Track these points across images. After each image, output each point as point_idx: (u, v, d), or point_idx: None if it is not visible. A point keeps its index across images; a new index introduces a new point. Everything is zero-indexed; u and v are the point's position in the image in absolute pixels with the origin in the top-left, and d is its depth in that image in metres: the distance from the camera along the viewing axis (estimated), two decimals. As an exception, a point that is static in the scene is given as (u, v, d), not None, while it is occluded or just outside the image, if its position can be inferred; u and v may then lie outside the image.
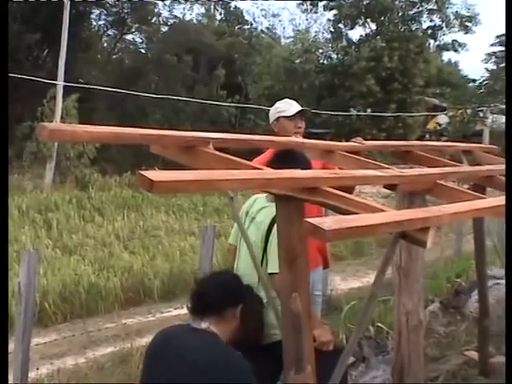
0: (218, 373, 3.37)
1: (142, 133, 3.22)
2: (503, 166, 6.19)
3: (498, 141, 24.22)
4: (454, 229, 13.02)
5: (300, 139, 4.98)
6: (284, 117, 5.54)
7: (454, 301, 8.24)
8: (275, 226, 4.07)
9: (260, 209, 4.54)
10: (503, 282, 7.63)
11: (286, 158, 4.26)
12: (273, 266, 4.09)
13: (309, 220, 2.66)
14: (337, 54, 36.86)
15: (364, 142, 5.13)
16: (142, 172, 2.42)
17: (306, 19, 41.52)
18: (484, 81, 47.24)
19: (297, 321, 2.97)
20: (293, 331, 3.03)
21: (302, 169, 3.79)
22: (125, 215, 19.08)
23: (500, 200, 4.34)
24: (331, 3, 37.84)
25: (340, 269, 11.00)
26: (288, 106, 5.64)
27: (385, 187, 4.09)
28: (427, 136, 31.83)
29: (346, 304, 8.03)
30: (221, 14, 47.02)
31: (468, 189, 5.99)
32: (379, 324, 6.96)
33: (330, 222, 2.66)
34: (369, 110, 32.20)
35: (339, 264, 11.79)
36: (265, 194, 4.60)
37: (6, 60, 3.31)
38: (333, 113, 28.49)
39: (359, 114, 31.22)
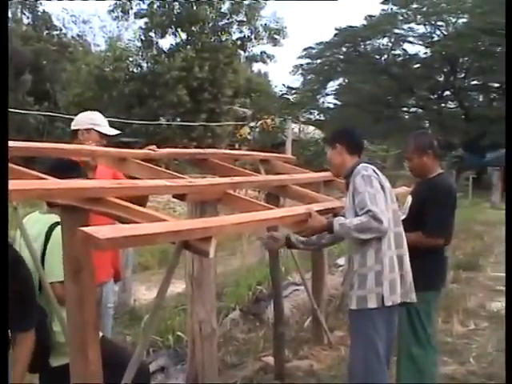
0: None
1: None
2: (297, 176, 6.39)
3: (306, 150, 25.03)
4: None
5: (91, 147, 4.88)
6: (97, 131, 5.35)
7: (253, 308, 8.37)
8: (52, 235, 3.96)
9: (34, 223, 4.31)
10: (302, 288, 7.86)
11: (62, 166, 4.14)
12: (51, 275, 3.95)
13: (83, 229, 2.61)
14: (147, 63, 36.75)
15: (157, 149, 5.11)
16: None
17: (117, 27, 41.22)
18: (292, 91, 48.86)
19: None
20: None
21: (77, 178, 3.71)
22: None
23: (287, 210, 4.46)
24: (142, 11, 37.72)
25: (145, 278, 10.90)
26: (103, 122, 5.46)
27: (174, 197, 4.07)
28: (236, 145, 32.29)
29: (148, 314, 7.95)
30: (28, 18, 45.69)
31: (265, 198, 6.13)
32: (179, 333, 6.94)
33: (105, 230, 2.63)
34: (178, 120, 32.36)
35: (145, 273, 11.70)
36: (37, 211, 4.43)
37: (6, 60, 3.14)
38: (142, 122, 28.37)
39: (169, 123, 31.27)
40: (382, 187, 4.51)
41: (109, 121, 5.60)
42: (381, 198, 4.38)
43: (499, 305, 9.60)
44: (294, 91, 50.94)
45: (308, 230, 4.60)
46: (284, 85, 52.07)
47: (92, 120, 5.41)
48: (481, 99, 54.53)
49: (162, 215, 3.27)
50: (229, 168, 5.57)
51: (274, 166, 6.94)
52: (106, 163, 4.87)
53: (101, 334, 4.29)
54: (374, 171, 4.57)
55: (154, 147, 5.16)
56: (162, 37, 37.79)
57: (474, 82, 52.67)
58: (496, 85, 51.21)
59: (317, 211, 4.63)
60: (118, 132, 5.50)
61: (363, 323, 4.48)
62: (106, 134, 5.35)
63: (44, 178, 3.47)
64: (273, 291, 6.63)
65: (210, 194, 4.28)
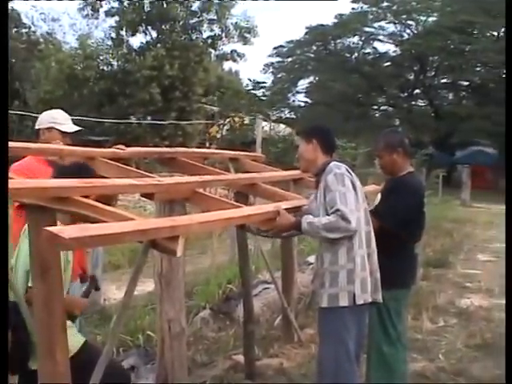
0: None
1: None
2: (266, 174, 6.40)
3: (274, 148, 25.06)
4: (229, 235, 13.25)
5: (59, 146, 4.85)
6: (57, 129, 5.32)
7: (224, 307, 8.36)
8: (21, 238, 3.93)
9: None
10: (272, 286, 7.87)
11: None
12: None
13: (48, 228, 2.59)
14: (117, 62, 36.53)
15: (125, 148, 5.09)
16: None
17: (87, 25, 40.80)
18: (260, 88, 48.94)
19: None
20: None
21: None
22: None
23: (255, 209, 4.46)
24: (113, 9, 37.48)
25: (116, 278, 10.82)
26: (65, 121, 5.44)
27: (142, 196, 4.05)
28: (207, 144, 32.24)
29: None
30: (-4, 16, 45.13)
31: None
32: (149, 332, 6.92)
33: (71, 230, 2.61)
34: (149, 118, 32.23)
35: (115, 273, 11.61)
36: None
37: (6, 60, 3.19)
38: (113, 121, 28.20)
39: (139, 121, 31.11)
40: (354, 186, 4.53)
41: (79, 119, 5.57)
42: (351, 197, 4.40)
43: (468, 301, 9.71)
44: (263, 89, 51.04)
45: (276, 228, 4.60)
46: (250, 79, 52.23)
47: (53, 119, 5.38)
48: (450, 97, 54.93)
49: (129, 214, 3.26)
50: (197, 167, 5.56)
51: (243, 164, 6.94)
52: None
53: (83, 338, 4.29)
54: (347, 170, 4.59)
55: (121, 146, 5.14)
56: (133, 35, 37.60)
57: (444, 81, 53.08)
58: (465, 83, 51.67)
59: (285, 209, 4.64)
60: (78, 128, 5.47)
61: (334, 321, 4.49)
62: (66, 132, 5.32)
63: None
64: (242, 290, 6.63)
65: (178, 193, 4.28)
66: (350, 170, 4.63)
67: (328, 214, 4.36)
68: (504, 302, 9.68)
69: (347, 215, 4.26)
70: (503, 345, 7.49)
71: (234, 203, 4.55)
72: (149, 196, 4.04)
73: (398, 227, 5.27)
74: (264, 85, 51.22)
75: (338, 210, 4.27)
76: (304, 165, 4.96)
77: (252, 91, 49.33)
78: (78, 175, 3.76)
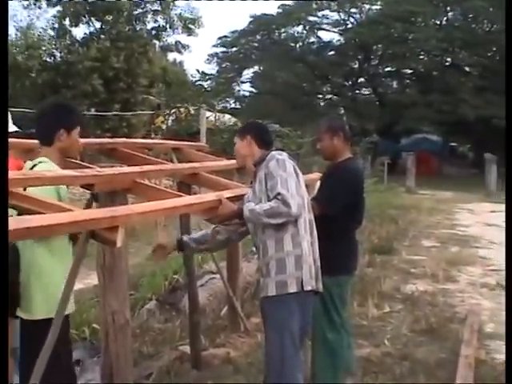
0: None
1: None
2: (209, 164, 6.39)
3: (219, 138, 25.02)
4: (176, 225, 13.19)
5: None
6: None
7: (170, 298, 8.33)
8: None
9: None
10: (218, 276, 7.86)
11: None
12: None
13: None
14: (60, 53, 36.02)
15: (64, 140, 5.02)
16: None
17: (28, 15, 40.06)
18: (207, 80, 48.84)
19: None
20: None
21: None
22: None
23: (196, 198, 4.44)
24: (55, -1, 36.94)
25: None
26: None
27: (82, 187, 4.01)
28: (152, 135, 32.04)
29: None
30: None
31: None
32: (95, 325, 6.86)
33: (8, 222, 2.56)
34: (93, 110, 31.89)
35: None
36: None
37: (6, 59, 3.14)
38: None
39: (83, 113, 30.79)
40: (296, 172, 4.54)
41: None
42: (293, 182, 4.40)
43: (413, 287, 9.84)
44: (208, 78, 50.99)
45: (218, 217, 4.59)
46: (198, 71, 52.09)
47: None
48: (394, 85, 55.54)
49: (67, 205, 3.22)
50: (139, 157, 5.53)
51: (187, 154, 6.92)
52: (13, 154, 4.77)
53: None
54: (288, 157, 4.62)
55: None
56: (76, 26, 37.07)
57: (388, 69, 53.60)
58: (409, 71, 52.26)
59: (227, 198, 4.63)
60: (15, 129, 5.40)
61: (280, 309, 4.47)
62: None
63: None
64: (187, 280, 6.62)
65: (119, 184, 4.23)
66: (290, 157, 4.65)
67: (270, 201, 4.36)
68: (449, 286, 9.90)
69: (288, 200, 4.26)
70: (447, 329, 7.67)
71: (176, 193, 4.53)
72: (89, 187, 4.00)
73: (337, 212, 5.30)
74: (209, 75, 51.20)
75: (278, 194, 4.27)
76: (239, 161, 4.99)
77: (197, 82, 49.27)
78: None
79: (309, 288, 4.46)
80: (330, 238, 5.10)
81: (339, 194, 5.38)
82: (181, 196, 4.34)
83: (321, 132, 5.66)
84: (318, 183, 5.75)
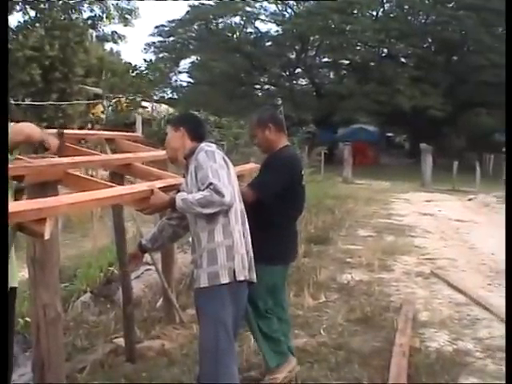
0: None
1: None
2: (142, 154, 6.34)
3: (154, 128, 24.85)
4: (111, 217, 13.08)
5: None
6: None
7: (105, 290, 8.23)
8: None
9: None
10: (154, 267, 7.80)
11: None
12: None
13: None
14: (-5, 41, 35.41)
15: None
16: None
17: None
18: (143, 70, 48.49)
19: None
20: None
21: None
22: None
23: (128, 188, 4.39)
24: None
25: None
26: None
27: (13, 179, 3.92)
28: (89, 125, 31.68)
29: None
30: None
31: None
32: (28, 319, 6.74)
33: None
34: (29, 100, 31.37)
35: None
36: None
37: (6, 58, 3.09)
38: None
39: (18, 103, 30.25)
40: (226, 163, 4.51)
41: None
42: (224, 172, 4.36)
43: (349, 276, 9.90)
44: (146, 68, 50.65)
45: (150, 207, 4.53)
46: (130, 63, 51.63)
47: None
48: (331, 76, 56.01)
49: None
50: (71, 148, 5.44)
51: (120, 144, 6.86)
52: None
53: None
54: (218, 148, 4.58)
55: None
56: (10, 14, 36.40)
57: (325, 60, 54.06)
58: (346, 62, 52.75)
59: (160, 188, 4.58)
60: None
61: (213, 300, 4.45)
62: None
63: None
64: (120, 272, 6.55)
65: (50, 175, 4.16)
66: (219, 148, 4.62)
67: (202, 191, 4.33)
68: (384, 276, 10.02)
69: (220, 189, 4.23)
70: (382, 318, 7.75)
71: (107, 183, 4.47)
72: (19, 178, 3.91)
73: (271, 199, 5.32)
74: (145, 65, 50.88)
75: (210, 184, 4.22)
76: (170, 152, 4.90)
77: (134, 71, 48.90)
78: None
79: (241, 278, 4.45)
80: (268, 226, 5.18)
81: (273, 181, 5.38)
82: (112, 187, 4.28)
83: (253, 127, 5.68)
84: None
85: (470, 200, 23.92)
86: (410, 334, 7.03)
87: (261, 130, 5.55)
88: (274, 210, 5.37)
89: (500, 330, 7.26)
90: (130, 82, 39.65)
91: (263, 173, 5.53)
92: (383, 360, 6.27)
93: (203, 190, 4.28)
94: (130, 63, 46.89)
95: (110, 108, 32.08)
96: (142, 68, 47.34)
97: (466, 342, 6.98)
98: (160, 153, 6.69)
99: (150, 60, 51.83)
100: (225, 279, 4.41)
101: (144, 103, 25.16)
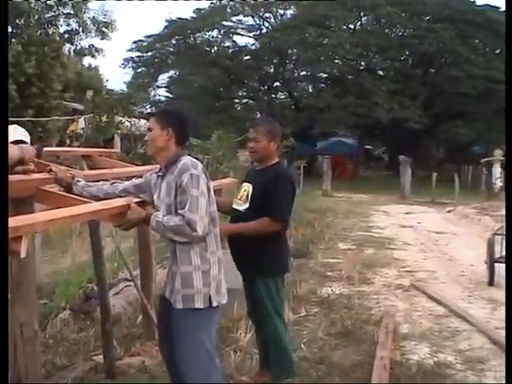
0: None
1: None
2: (117, 170, 6.31)
3: (138, 144, 24.79)
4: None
5: None
6: None
7: (84, 306, 8.13)
8: None
9: None
10: (133, 284, 7.74)
11: None
12: None
13: None
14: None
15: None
16: None
17: None
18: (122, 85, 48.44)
19: None
20: None
21: None
22: None
23: (104, 204, 4.35)
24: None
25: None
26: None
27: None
28: (68, 141, 31.57)
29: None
30: None
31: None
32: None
33: None
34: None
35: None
36: None
37: (6, 57, 3.20)
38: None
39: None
40: (208, 188, 4.44)
41: None
42: (203, 201, 4.29)
43: (329, 290, 9.88)
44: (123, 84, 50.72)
45: (128, 222, 4.47)
46: (107, 79, 51.65)
47: None
48: (310, 89, 56.17)
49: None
50: (45, 165, 5.39)
51: (97, 161, 6.81)
52: None
53: None
54: (203, 169, 4.49)
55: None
56: (-15, 31, 36.32)
57: (303, 73, 54.23)
58: (324, 75, 52.97)
59: (136, 203, 4.53)
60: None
61: (192, 323, 4.43)
62: None
63: None
64: (98, 289, 6.49)
65: (23, 191, 4.11)
66: (204, 170, 4.53)
67: (177, 215, 4.31)
68: (364, 288, 10.00)
69: (194, 224, 4.21)
70: (363, 331, 7.73)
71: (83, 199, 4.42)
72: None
73: (288, 217, 5.61)
74: (124, 80, 50.92)
75: (184, 217, 4.22)
76: (153, 150, 4.70)
77: (112, 87, 48.80)
78: None
79: (215, 304, 4.44)
80: (282, 240, 5.57)
81: (287, 202, 5.59)
82: (88, 202, 4.24)
83: (258, 133, 5.61)
84: (248, 187, 5.65)
85: (449, 212, 23.97)
86: (391, 347, 7.02)
87: (267, 139, 5.57)
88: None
89: (480, 341, 7.29)
90: (109, 97, 39.66)
91: (277, 197, 5.51)
92: (364, 373, 6.26)
93: (179, 216, 4.24)
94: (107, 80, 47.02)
95: (90, 125, 32.05)
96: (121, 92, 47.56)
97: (446, 355, 6.98)
98: (136, 169, 6.68)
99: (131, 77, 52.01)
100: (199, 304, 4.39)
101: (122, 119, 25.06)
